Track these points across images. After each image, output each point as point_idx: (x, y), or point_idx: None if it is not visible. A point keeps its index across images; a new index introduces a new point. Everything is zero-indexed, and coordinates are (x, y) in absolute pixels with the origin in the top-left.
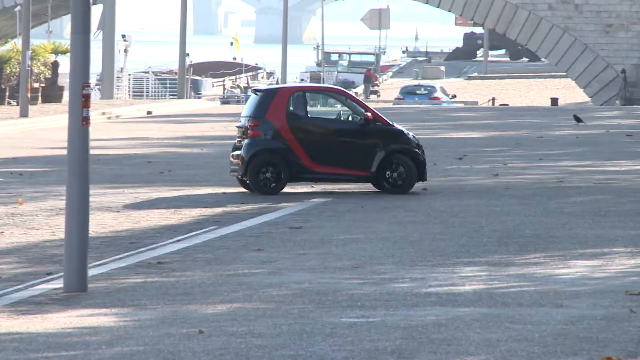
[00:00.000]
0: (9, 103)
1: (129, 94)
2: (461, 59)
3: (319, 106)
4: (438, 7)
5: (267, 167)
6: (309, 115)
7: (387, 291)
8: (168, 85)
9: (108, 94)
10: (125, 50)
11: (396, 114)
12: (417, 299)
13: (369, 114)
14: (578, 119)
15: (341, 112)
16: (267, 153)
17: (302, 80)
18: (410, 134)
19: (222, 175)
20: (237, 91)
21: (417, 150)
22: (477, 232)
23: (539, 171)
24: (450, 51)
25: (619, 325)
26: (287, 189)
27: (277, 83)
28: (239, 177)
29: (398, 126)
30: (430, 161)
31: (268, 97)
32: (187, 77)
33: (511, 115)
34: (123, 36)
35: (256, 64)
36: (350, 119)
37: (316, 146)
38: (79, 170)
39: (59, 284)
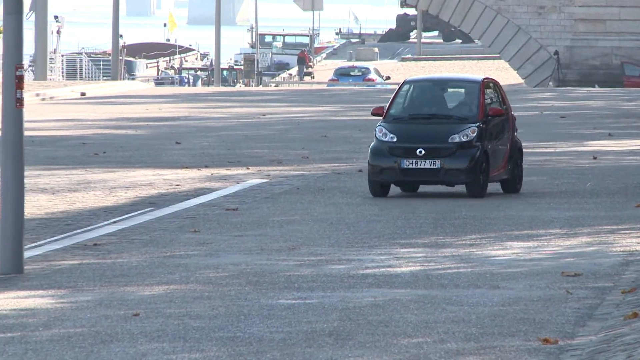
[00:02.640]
0: None
1: (63, 76)
2: (395, 40)
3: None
4: None
5: None
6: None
7: (324, 273)
8: (102, 67)
9: (41, 76)
10: (58, 32)
11: (330, 95)
12: (354, 281)
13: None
14: None
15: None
16: None
17: (236, 61)
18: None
19: (157, 157)
20: (171, 72)
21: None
22: (412, 213)
23: None
24: (384, 33)
25: (555, 306)
26: (224, 171)
27: (211, 64)
28: None
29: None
30: (358, 143)
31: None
32: (121, 58)
33: None
34: (55, 17)
35: (190, 45)
36: None
37: None
38: (14, 152)
39: None
